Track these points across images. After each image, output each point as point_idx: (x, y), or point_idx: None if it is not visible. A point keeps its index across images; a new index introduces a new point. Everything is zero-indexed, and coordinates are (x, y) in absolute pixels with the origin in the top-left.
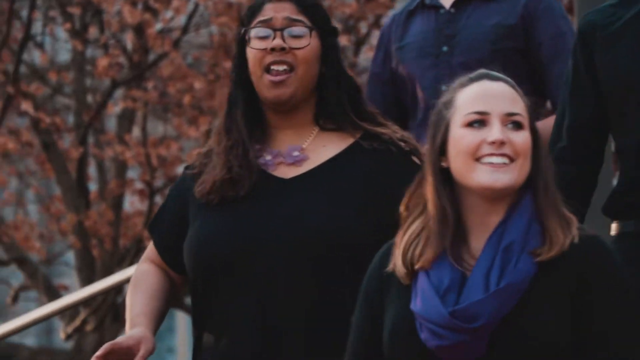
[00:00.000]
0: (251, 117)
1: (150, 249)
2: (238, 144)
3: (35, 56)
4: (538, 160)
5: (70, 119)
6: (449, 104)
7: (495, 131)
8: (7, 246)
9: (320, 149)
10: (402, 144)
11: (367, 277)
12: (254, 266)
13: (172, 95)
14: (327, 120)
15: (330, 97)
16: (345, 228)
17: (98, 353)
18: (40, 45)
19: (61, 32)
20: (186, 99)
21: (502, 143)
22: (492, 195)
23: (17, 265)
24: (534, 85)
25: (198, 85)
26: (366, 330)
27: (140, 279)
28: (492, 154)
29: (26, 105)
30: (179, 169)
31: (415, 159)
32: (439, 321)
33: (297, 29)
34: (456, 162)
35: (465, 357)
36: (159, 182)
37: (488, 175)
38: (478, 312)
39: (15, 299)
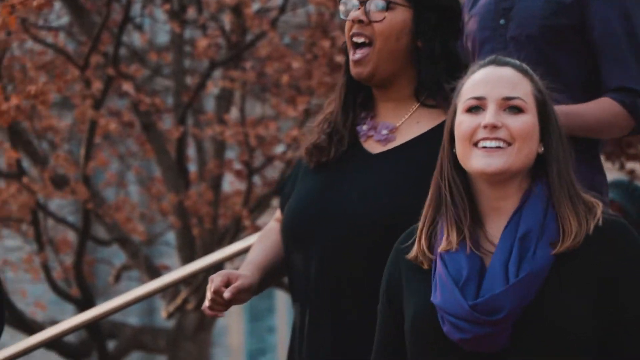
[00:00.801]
0: (357, 86)
1: (278, 210)
2: (333, 112)
3: (135, 38)
4: (549, 145)
5: (170, 100)
6: (456, 91)
7: (488, 115)
8: (109, 227)
9: (414, 125)
10: None
11: (388, 265)
12: (318, 236)
13: (270, 75)
14: (428, 96)
15: (424, 72)
16: (410, 207)
17: (217, 284)
18: (140, 27)
19: (160, 14)
20: (284, 79)
21: (494, 127)
22: (490, 180)
23: (119, 246)
24: (591, 65)
25: (296, 64)
26: (389, 330)
27: (263, 235)
28: (485, 138)
29: (126, 87)
30: (277, 149)
31: None
32: (460, 314)
33: (378, 2)
34: (458, 147)
35: (488, 348)
36: (257, 162)
37: (481, 159)
38: (499, 304)
39: (117, 278)
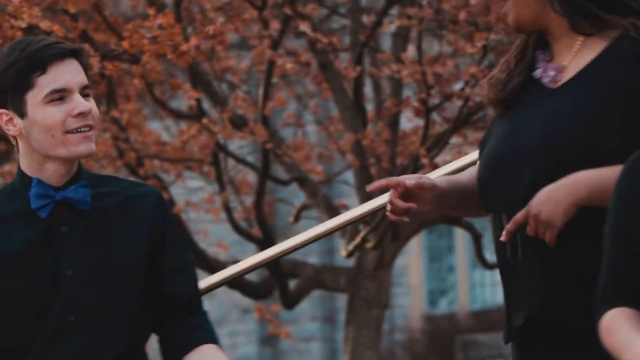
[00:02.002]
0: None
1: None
2: (512, 54)
3: None
4: None
5: (346, 38)
6: None
7: None
8: (288, 166)
9: (580, 58)
10: None
11: (617, 187)
12: (512, 174)
13: (447, 12)
14: (586, 26)
15: (558, 4)
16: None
17: (412, 182)
18: None
19: None
20: (462, 15)
21: None
22: None
23: (298, 185)
24: None
25: (474, 0)
26: (622, 261)
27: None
28: None
29: (304, 26)
30: (456, 86)
31: None
32: None
33: None
34: None
35: None
36: (435, 100)
37: None
38: None
39: (296, 218)
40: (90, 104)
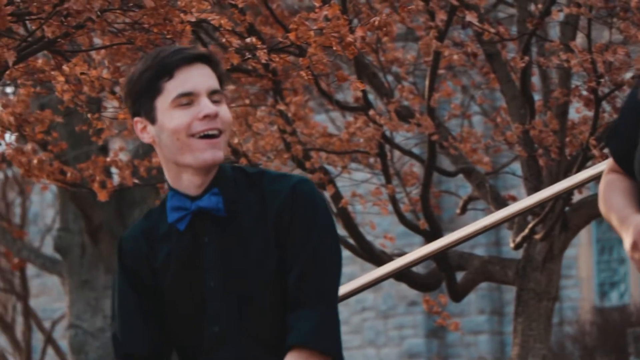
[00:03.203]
0: None
1: (610, 160)
2: None
3: None
4: None
5: (514, 28)
6: None
7: None
8: (454, 158)
9: None
10: None
11: None
12: None
13: None
14: None
15: None
16: None
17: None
18: None
19: None
20: (633, 2)
21: None
22: None
23: (464, 177)
24: None
25: None
26: None
27: (610, 187)
28: None
29: (470, 17)
30: (627, 75)
31: None
32: None
33: None
34: None
35: None
36: (605, 89)
37: None
38: None
39: (463, 209)
40: (218, 108)
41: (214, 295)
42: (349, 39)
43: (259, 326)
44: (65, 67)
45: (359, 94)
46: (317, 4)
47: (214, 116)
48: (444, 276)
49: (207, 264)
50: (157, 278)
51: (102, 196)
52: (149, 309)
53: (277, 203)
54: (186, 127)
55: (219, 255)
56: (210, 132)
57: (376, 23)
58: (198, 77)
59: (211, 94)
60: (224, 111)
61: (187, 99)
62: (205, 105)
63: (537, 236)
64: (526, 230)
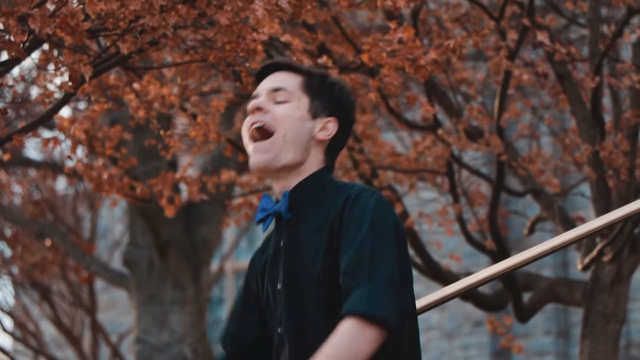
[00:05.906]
0: None
1: None
2: None
3: None
4: None
5: (585, 49)
6: None
7: None
8: (523, 178)
9: None
10: None
11: None
12: None
13: None
14: None
15: None
16: None
17: None
18: None
19: None
20: None
21: None
22: None
23: (533, 197)
24: None
25: None
26: None
27: None
28: None
29: (541, 37)
30: None
31: None
32: None
33: None
34: None
35: None
36: None
37: None
38: None
39: (531, 230)
40: (272, 106)
41: (279, 298)
42: (422, 61)
43: (308, 333)
44: (136, 85)
45: (428, 113)
46: (392, 26)
47: (259, 108)
48: (510, 297)
49: (280, 267)
50: (260, 282)
51: (169, 212)
52: (253, 307)
53: (332, 213)
54: (247, 127)
55: (286, 259)
56: (256, 126)
57: (450, 46)
58: (268, 81)
59: (272, 91)
60: (282, 108)
61: (253, 101)
62: (256, 100)
63: (606, 258)
64: (594, 252)
